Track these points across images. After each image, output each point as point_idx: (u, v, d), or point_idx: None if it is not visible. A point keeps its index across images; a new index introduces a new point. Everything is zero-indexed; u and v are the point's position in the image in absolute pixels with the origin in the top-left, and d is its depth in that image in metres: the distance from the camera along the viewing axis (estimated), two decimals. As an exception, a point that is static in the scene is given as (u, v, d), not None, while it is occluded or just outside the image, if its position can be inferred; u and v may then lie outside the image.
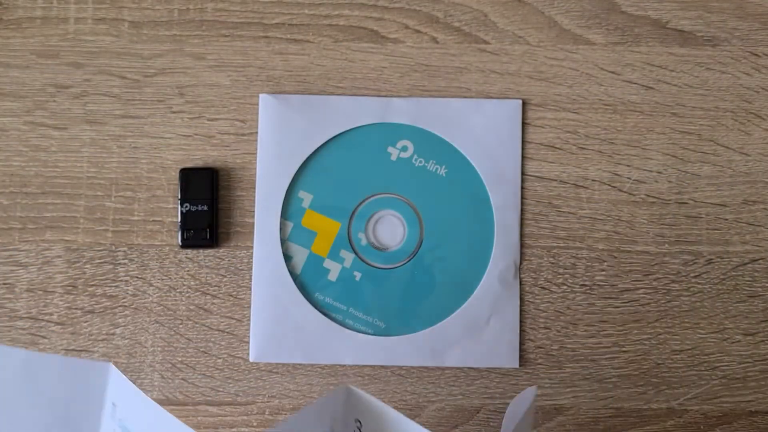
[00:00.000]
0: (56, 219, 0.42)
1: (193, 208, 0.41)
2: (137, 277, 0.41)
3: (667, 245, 0.41)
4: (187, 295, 0.41)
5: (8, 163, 0.42)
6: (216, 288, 0.41)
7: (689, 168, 0.42)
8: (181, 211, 0.41)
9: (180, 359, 0.41)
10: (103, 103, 0.42)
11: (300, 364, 0.41)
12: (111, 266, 0.41)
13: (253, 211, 0.41)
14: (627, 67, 0.42)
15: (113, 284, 0.41)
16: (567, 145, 0.42)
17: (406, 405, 0.41)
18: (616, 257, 0.41)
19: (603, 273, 0.41)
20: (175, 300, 0.41)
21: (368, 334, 0.41)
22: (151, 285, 0.41)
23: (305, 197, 0.41)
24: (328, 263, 0.41)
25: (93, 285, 0.41)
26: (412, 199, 0.41)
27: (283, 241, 0.41)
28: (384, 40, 0.42)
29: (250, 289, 0.41)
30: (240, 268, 0.41)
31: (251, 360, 0.41)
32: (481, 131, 0.41)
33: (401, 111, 0.41)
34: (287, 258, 0.41)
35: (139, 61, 0.42)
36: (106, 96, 0.42)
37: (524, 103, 0.42)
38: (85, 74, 0.42)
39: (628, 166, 0.42)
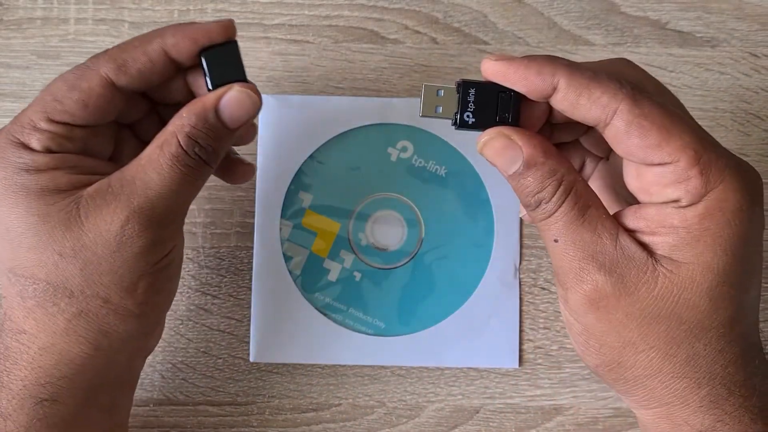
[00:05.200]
0: (56, 219, 0.41)
1: None
2: (137, 277, 0.41)
3: (666, 245, 0.41)
4: (187, 295, 0.41)
5: (8, 163, 0.42)
6: (216, 288, 0.41)
7: (688, 168, 0.42)
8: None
9: (180, 359, 0.41)
10: (104, 103, 0.42)
11: (300, 364, 0.41)
12: (111, 266, 0.41)
13: (253, 211, 0.41)
14: (626, 67, 0.42)
15: (113, 284, 0.41)
16: (566, 146, 0.42)
17: (406, 405, 0.41)
18: (615, 257, 0.41)
19: (602, 273, 0.41)
20: (175, 300, 0.41)
21: (368, 334, 0.41)
22: (151, 285, 0.41)
23: (305, 197, 0.41)
24: (328, 263, 0.41)
25: (93, 285, 0.41)
26: (412, 199, 0.41)
27: (283, 241, 0.41)
28: (384, 40, 0.42)
29: (250, 289, 0.41)
30: (240, 268, 0.41)
31: (251, 360, 0.41)
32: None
33: (401, 111, 0.41)
34: (287, 258, 0.41)
35: (140, 61, 0.42)
36: (106, 96, 0.42)
37: (524, 104, 0.42)
38: (86, 74, 0.42)
39: (627, 166, 0.42)
